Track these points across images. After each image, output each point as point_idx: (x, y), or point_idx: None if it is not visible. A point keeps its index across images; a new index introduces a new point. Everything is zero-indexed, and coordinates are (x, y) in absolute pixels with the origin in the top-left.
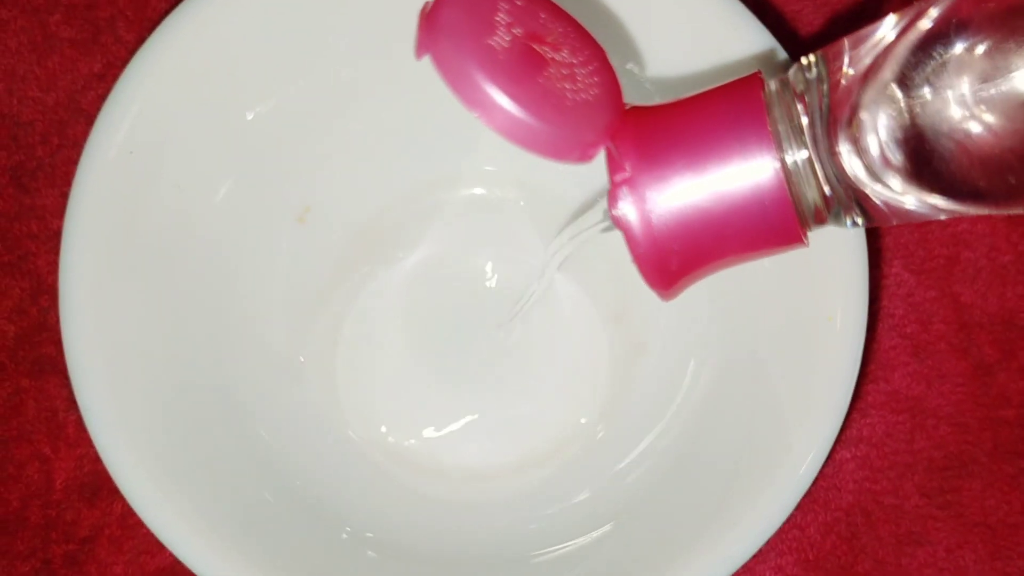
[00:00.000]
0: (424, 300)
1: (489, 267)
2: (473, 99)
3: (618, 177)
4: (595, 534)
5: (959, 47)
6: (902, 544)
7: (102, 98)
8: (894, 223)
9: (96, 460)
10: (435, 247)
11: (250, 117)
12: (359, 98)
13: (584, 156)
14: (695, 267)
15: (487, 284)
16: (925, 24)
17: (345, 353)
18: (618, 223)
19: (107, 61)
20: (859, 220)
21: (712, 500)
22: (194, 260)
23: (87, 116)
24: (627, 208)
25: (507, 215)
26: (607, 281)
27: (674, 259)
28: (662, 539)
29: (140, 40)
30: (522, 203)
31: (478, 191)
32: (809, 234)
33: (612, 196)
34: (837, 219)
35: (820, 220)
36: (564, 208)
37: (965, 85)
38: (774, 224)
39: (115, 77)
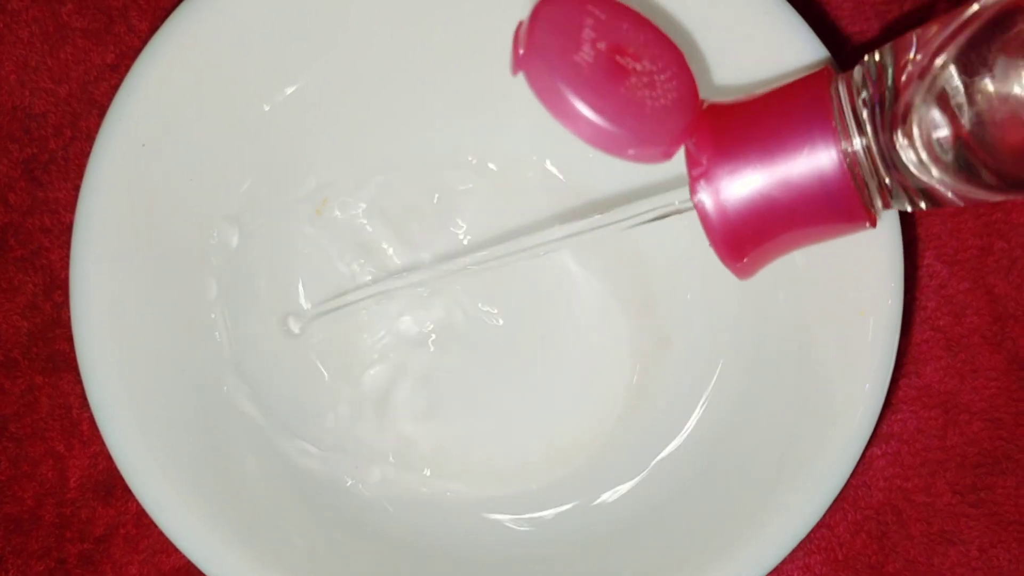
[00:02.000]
0: (442, 291)
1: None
2: (562, 112)
3: (695, 172)
4: (618, 535)
5: (1017, 39)
6: (934, 543)
7: (115, 89)
8: (960, 204)
9: (110, 458)
10: (453, 240)
11: (267, 108)
12: (375, 85)
13: (665, 156)
14: (768, 250)
15: (507, 278)
16: (985, 15)
17: (361, 352)
18: (698, 210)
19: (120, 51)
20: (922, 204)
21: (741, 501)
22: (208, 252)
23: (100, 108)
24: (704, 197)
25: (528, 207)
26: (629, 275)
27: (748, 244)
28: (689, 541)
29: (153, 29)
30: (543, 195)
31: (498, 184)
32: (876, 216)
33: (691, 188)
34: (900, 202)
35: (885, 204)
36: (587, 196)
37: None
38: (840, 209)
39: (128, 68)
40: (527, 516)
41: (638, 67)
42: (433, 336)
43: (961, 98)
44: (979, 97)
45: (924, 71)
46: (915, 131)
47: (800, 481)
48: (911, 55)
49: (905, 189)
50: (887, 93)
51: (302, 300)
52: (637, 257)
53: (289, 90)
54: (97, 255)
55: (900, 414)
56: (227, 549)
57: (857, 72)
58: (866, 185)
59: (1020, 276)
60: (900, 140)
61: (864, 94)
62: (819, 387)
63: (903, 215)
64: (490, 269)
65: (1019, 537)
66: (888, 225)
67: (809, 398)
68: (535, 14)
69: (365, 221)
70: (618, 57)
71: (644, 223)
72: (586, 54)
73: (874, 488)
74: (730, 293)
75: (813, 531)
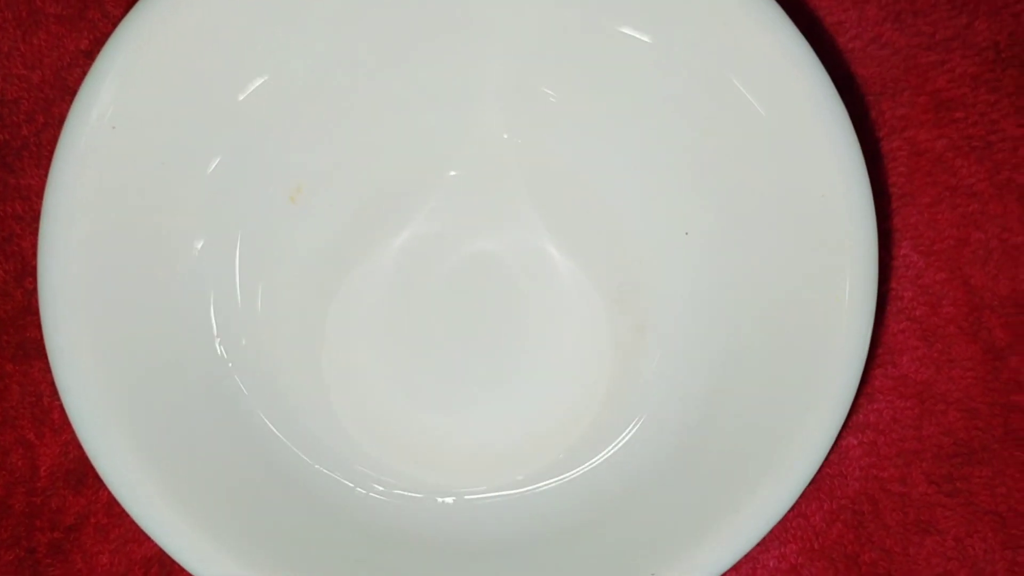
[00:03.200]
0: (418, 282)
1: (487, 247)
2: None
3: None
4: (595, 520)
5: None
6: (909, 533)
7: None
8: None
9: (82, 447)
10: (430, 227)
11: (240, 94)
12: (352, 75)
13: None
14: None
15: (484, 265)
16: None
17: (335, 338)
18: None
19: (94, 38)
20: None
21: (715, 487)
22: (180, 239)
23: (73, 94)
24: None
25: (506, 192)
26: (608, 261)
27: None
28: (663, 526)
29: None
30: (521, 180)
31: (474, 169)
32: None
33: None
34: None
35: None
36: (566, 181)
37: None
38: None
39: None
40: (503, 504)
41: None
42: (411, 323)
43: None
44: None
45: None
46: None
47: (774, 468)
48: None
49: None
50: None
51: (272, 287)
52: (617, 244)
53: (261, 76)
54: (66, 238)
55: (876, 404)
56: (197, 536)
57: None
58: None
59: (996, 267)
60: None
61: None
62: (794, 375)
63: (879, 206)
64: (468, 256)
65: (994, 527)
66: (863, 215)
67: (784, 386)
68: None
69: (340, 209)
70: None
71: None
72: None
73: (850, 478)
74: (708, 282)
75: (789, 520)
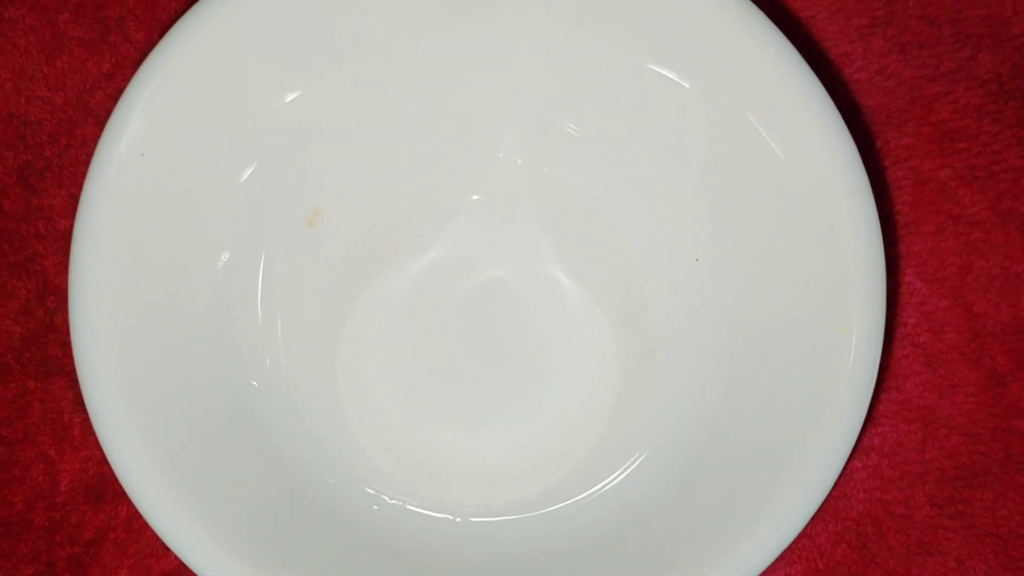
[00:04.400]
0: (431, 305)
1: (500, 271)
2: None
3: None
4: (602, 543)
5: None
6: (912, 554)
7: (111, 98)
8: None
9: (102, 462)
10: (444, 251)
11: (262, 117)
12: (371, 99)
13: None
14: None
15: (496, 289)
16: None
17: (350, 358)
18: None
19: (116, 61)
20: None
21: (724, 511)
22: (204, 260)
23: (96, 116)
24: None
25: (519, 218)
26: (616, 285)
27: None
28: (671, 550)
29: (149, 40)
30: (535, 207)
31: (491, 195)
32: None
33: None
34: None
35: None
36: (579, 209)
37: None
38: None
39: (124, 77)
40: (511, 523)
41: None
42: (424, 344)
43: None
44: None
45: None
46: None
47: (783, 492)
48: None
49: None
50: None
51: (290, 308)
52: (627, 269)
53: (289, 98)
54: (95, 261)
55: (880, 427)
56: (219, 551)
57: None
58: None
59: (999, 294)
60: None
61: None
62: (802, 400)
63: (885, 234)
64: (481, 280)
65: (995, 549)
66: (871, 248)
67: (792, 411)
68: None
69: (358, 234)
70: None
71: None
72: None
73: (854, 500)
74: (717, 308)
75: (794, 541)
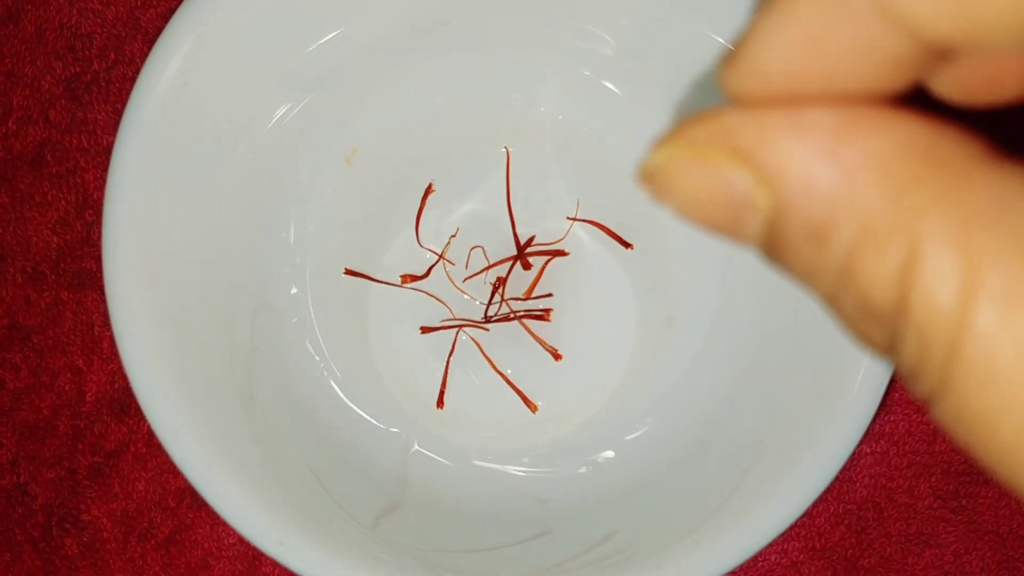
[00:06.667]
0: (461, 254)
1: (530, 227)
2: None
3: None
4: (607, 504)
5: None
6: (910, 543)
7: (161, 16)
8: None
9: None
10: (473, 201)
11: (305, 54)
12: (417, 41)
13: None
14: None
15: (524, 239)
16: None
17: (378, 305)
18: None
19: None
20: None
21: (729, 485)
22: (240, 194)
23: (145, 33)
24: None
25: (554, 174)
26: (641, 247)
27: None
28: (674, 517)
29: None
30: (568, 164)
31: (526, 149)
32: None
33: None
34: None
35: None
36: (612, 173)
37: None
38: None
39: None
40: (527, 476)
41: None
42: (451, 291)
43: None
44: None
45: None
46: None
47: (788, 473)
48: None
49: None
50: None
51: (324, 245)
52: (655, 233)
53: (332, 31)
54: (132, 184)
55: (892, 415)
56: (230, 481)
57: None
58: None
59: None
60: None
61: None
62: (818, 382)
63: None
64: (507, 233)
65: (994, 546)
66: None
67: (807, 392)
68: None
69: (390, 175)
70: None
71: None
72: None
73: (858, 484)
74: (740, 283)
75: None
